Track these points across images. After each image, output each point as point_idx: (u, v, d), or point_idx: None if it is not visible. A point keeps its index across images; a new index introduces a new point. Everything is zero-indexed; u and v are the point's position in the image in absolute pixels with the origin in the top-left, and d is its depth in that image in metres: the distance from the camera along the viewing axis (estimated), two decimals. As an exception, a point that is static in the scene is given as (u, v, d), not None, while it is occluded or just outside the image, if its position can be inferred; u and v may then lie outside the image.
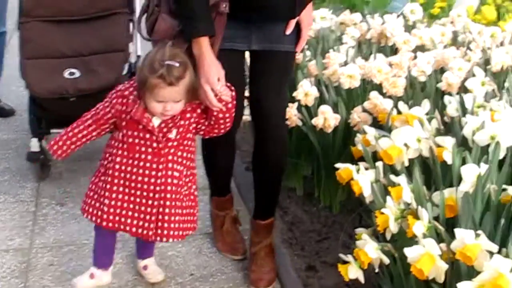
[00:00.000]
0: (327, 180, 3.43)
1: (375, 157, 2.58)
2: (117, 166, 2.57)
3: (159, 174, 2.54)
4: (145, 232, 2.60)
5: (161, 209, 2.57)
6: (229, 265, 3.04)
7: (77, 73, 3.46)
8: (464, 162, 2.29)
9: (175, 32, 2.55)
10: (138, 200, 2.57)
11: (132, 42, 3.70)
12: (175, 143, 2.55)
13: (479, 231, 1.96)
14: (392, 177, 2.31)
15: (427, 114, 2.66)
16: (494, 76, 3.29)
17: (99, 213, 2.61)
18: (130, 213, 2.59)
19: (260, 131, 2.85)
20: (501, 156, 2.31)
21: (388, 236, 2.23)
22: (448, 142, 2.39)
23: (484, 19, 5.03)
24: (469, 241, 1.93)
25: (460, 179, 2.24)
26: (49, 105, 3.49)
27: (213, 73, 2.47)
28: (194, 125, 2.57)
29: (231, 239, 3.12)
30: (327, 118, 3.12)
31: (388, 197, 2.23)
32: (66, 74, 3.45)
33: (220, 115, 2.52)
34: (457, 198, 2.18)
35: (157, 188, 2.55)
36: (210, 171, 3.07)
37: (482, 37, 3.74)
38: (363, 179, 2.37)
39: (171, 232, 2.59)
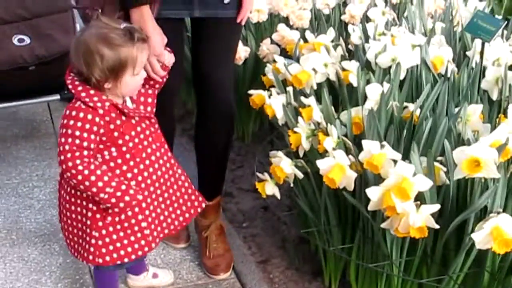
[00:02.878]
0: (239, 112, 3.55)
1: (285, 85, 2.72)
2: (133, 183, 2.17)
3: (165, 158, 2.29)
4: (187, 215, 2.38)
5: (186, 183, 2.38)
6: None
7: (27, 40, 3.22)
8: (368, 83, 2.45)
9: None
10: (167, 194, 2.30)
11: None
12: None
13: (384, 142, 2.13)
14: (303, 99, 2.45)
15: (332, 41, 2.81)
16: (393, 7, 3.47)
17: (136, 245, 2.21)
18: (162, 217, 2.29)
19: (203, 106, 2.68)
20: (402, 77, 2.49)
21: (301, 153, 2.38)
22: (353, 65, 2.55)
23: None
24: (375, 151, 2.09)
25: (365, 99, 2.40)
26: (4, 76, 3.21)
27: (159, 42, 2.28)
28: None
29: None
30: (238, 51, 3.23)
31: (299, 118, 2.38)
32: (15, 41, 3.20)
33: (159, 80, 2.31)
34: (362, 116, 2.35)
35: (170, 172, 2.31)
36: None
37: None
38: (275, 103, 2.50)
39: (200, 198, 2.43)
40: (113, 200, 2.09)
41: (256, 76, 3.38)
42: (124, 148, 2.15)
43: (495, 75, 2.48)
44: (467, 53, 2.72)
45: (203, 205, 2.44)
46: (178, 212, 2.35)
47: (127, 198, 2.10)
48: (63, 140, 2.06)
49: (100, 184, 2.06)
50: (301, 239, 2.85)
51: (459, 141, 2.20)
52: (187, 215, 2.39)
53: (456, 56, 2.78)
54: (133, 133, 2.16)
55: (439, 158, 2.17)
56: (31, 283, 2.66)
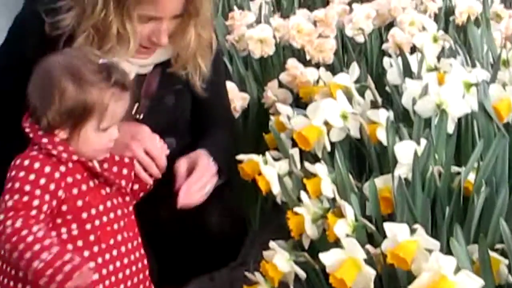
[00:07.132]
0: (241, 188, 3.57)
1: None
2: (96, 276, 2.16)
3: (137, 254, 2.33)
4: None
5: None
6: None
7: None
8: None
9: None
10: None
11: None
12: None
13: (417, 225, 2.13)
14: (307, 165, 2.47)
15: (358, 82, 2.83)
16: (457, 30, 3.50)
17: None
18: None
19: None
20: (450, 131, 2.50)
21: (305, 244, 2.40)
22: (383, 116, 2.55)
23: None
24: (402, 238, 2.10)
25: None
26: None
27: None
28: None
29: None
30: (232, 99, 3.27)
31: (302, 192, 2.40)
32: None
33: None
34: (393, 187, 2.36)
35: (141, 276, 2.34)
36: None
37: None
38: (270, 172, 2.52)
39: None
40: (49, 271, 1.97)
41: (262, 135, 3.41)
42: (88, 226, 2.17)
43: None
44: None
45: None
46: None
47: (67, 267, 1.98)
48: (7, 197, 2.08)
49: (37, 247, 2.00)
50: None
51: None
52: None
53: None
54: (101, 207, 2.20)
55: (498, 246, 2.18)
56: None
